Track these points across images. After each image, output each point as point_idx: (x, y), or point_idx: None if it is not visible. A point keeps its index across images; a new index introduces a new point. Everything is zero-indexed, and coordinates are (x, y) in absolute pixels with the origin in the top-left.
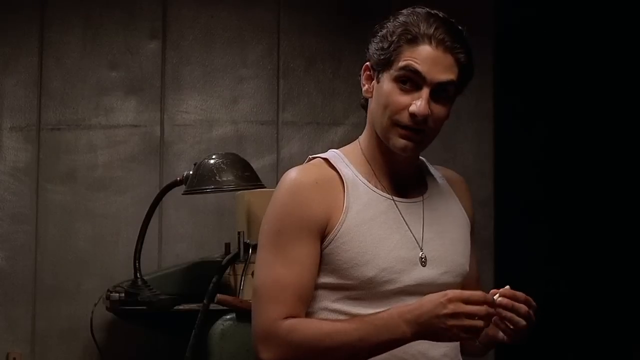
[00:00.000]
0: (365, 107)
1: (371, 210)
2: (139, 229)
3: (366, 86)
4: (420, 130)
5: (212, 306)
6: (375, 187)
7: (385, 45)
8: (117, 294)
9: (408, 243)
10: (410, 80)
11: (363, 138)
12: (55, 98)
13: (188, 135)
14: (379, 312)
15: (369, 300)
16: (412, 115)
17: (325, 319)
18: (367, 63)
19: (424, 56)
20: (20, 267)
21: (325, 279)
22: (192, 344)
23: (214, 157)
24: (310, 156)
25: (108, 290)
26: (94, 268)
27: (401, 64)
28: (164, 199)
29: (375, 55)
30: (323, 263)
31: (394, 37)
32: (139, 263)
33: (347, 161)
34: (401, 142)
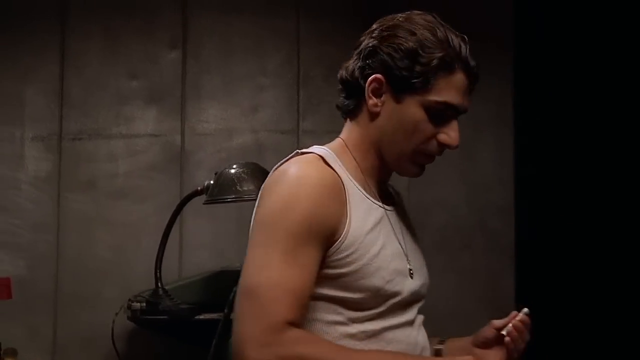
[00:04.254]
0: (341, 108)
1: (371, 218)
2: (159, 239)
3: (374, 100)
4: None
5: (233, 315)
6: (368, 194)
7: (418, 68)
8: (138, 304)
9: (400, 253)
10: (443, 112)
11: (353, 143)
12: (76, 107)
13: (208, 144)
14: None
15: (367, 315)
16: (443, 145)
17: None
18: (380, 76)
19: (459, 87)
20: (41, 275)
21: (325, 291)
22: (212, 354)
23: (234, 166)
24: (299, 150)
25: (129, 300)
26: (114, 277)
27: (438, 97)
28: (184, 208)
29: (399, 73)
30: (323, 274)
31: (431, 62)
32: (160, 272)
33: (340, 163)
34: (417, 169)
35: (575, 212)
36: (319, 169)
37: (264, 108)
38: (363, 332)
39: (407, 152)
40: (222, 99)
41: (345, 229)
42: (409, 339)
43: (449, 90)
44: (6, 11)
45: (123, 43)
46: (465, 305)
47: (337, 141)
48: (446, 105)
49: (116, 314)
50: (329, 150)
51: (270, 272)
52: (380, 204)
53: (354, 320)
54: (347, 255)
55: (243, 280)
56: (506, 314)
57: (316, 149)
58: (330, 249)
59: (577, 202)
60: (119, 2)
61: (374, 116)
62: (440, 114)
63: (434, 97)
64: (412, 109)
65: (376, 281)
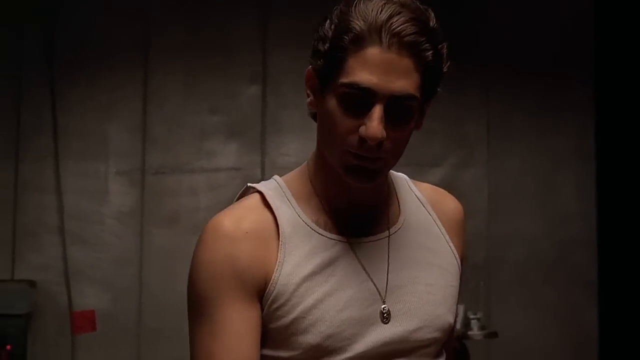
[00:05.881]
0: (315, 118)
1: (314, 261)
2: None
3: (310, 97)
4: (375, 158)
5: None
6: (324, 227)
7: (324, 48)
8: None
9: (365, 297)
10: (359, 98)
11: (311, 163)
12: (158, 143)
13: None
14: None
15: None
16: (363, 140)
17: None
18: (310, 68)
19: (374, 64)
20: (124, 309)
21: (264, 351)
22: None
23: None
24: (249, 184)
25: None
26: None
27: (344, 79)
28: None
29: (317, 61)
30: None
31: (339, 40)
32: None
33: (289, 195)
34: (351, 175)
35: None
36: (241, 217)
37: None
38: None
39: (333, 153)
40: (302, 132)
41: (273, 278)
42: None
43: (360, 69)
44: (90, 49)
45: (203, 79)
46: (547, 341)
47: (302, 165)
48: (356, 87)
49: None
50: (280, 183)
51: (197, 350)
52: (340, 237)
53: None
54: (277, 309)
55: None
56: (588, 351)
57: (263, 185)
58: (262, 301)
59: None
60: (199, 40)
61: (315, 119)
62: (354, 101)
63: (342, 80)
64: (330, 101)
65: (310, 338)
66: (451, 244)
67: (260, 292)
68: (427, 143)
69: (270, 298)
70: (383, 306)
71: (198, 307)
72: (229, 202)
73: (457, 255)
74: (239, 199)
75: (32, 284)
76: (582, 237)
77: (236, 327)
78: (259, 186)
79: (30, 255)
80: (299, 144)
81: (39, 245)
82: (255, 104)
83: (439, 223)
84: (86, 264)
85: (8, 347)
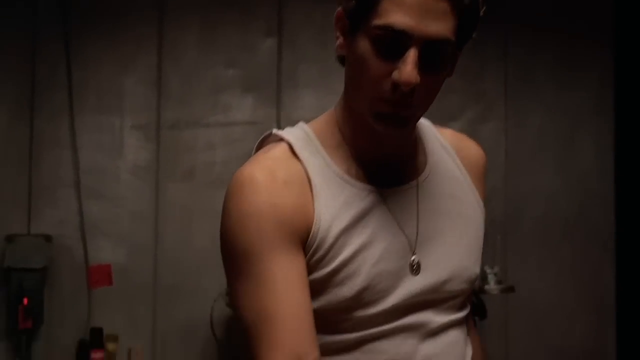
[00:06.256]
0: (343, 62)
1: (350, 212)
2: None
3: (340, 39)
4: (407, 104)
5: None
6: (356, 177)
7: None
8: None
9: (397, 249)
10: (393, 41)
11: (339, 109)
12: (173, 97)
13: None
14: None
15: (353, 325)
16: (396, 86)
17: None
18: (340, 9)
19: (409, 4)
20: (140, 264)
21: None
22: None
23: None
24: (274, 131)
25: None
26: (212, 266)
27: (377, 21)
28: None
29: (344, 2)
30: None
31: None
32: None
33: (318, 144)
34: (380, 123)
35: None
36: (275, 168)
37: None
38: (333, 343)
39: (363, 99)
40: (318, 86)
41: (313, 230)
42: (399, 348)
43: (394, 11)
44: (106, 4)
45: (219, 33)
46: (564, 296)
47: (329, 111)
48: (390, 29)
49: (215, 300)
50: (308, 131)
51: (249, 306)
52: (372, 186)
53: (340, 333)
54: (315, 261)
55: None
56: (606, 308)
57: (290, 133)
58: (305, 249)
59: None
60: None
61: (344, 63)
62: (388, 44)
63: (375, 22)
64: (361, 43)
65: (346, 291)
66: (476, 193)
67: (303, 241)
68: (444, 97)
69: (311, 249)
70: (413, 257)
71: (242, 262)
72: (245, 156)
73: (481, 204)
74: (260, 144)
75: (48, 238)
76: (601, 194)
77: (286, 277)
78: (286, 135)
79: (46, 210)
80: (315, 98)
81: (54, 200)
82: (271, 57)
83: (464, 170)
84: (102, 219)
85: (25, 301)
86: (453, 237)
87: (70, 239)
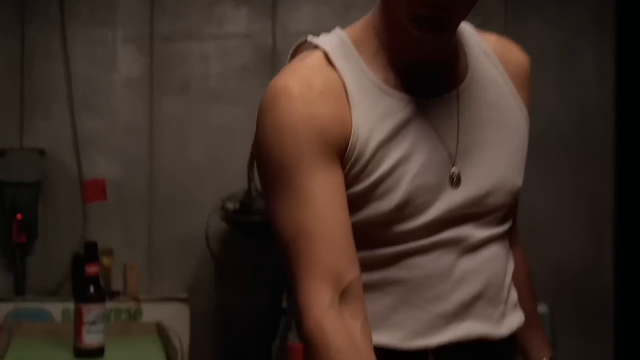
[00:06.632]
0: None
1: (389, 124)
2: (252, 140)
3: None
4: (446, 6)
5: None
6: (394, 87)
7: None
8: (232, 204)
9: (437, 161)
10: None
11: (377, 14)
12: (167, 9)
13: None
14: None
15: (391, 240)
16: None
17: None
18: None
19: None
20: (135, 178)
21: None
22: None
23: None
24: (309, 38)
25: (223, 201)
26: (208, 179)
27: None
28: None
29: None
30: None
31: None
32: (253, 173)
33: (356, 53)
34: (422, 27)
35: None
36: (311, 78)
37: (354, 9)
38: (370, 258)
39: (402, 4)
40: None
41: (352, 142)
42: (437, 264)
43: None
44: None
45: None
46: (563, 212)
47: (366, 17)
48: None
49: (210, 215)
50: (345, 38)
51: (286, 225)
52: (411, 96)
53: (377, 248)
54: (354, 174)
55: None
56: (604, 221)
57: (326, 40)
58: (343, 162)
59: None
60: None
61: None
62: None
63: None
64: None
65: (385, 205)
66: (520, 101)
67: (341, 154)
68: None
69: (349, 163)
70: (453, 170)
71: (279, 177)
72: (240, 70)
73: (525, 112)
74: (295, 51)
75: (41, 152)
76: (601, 108)
77: (325, 193)
78: (322, 43)
79: (39, 123)
80: (312, 10)
81: (47, 113)
82: None
83: (507, 77)
84: (96, 132)
85: (18, 216)
86: (495, 149)
87: (64, 153)
